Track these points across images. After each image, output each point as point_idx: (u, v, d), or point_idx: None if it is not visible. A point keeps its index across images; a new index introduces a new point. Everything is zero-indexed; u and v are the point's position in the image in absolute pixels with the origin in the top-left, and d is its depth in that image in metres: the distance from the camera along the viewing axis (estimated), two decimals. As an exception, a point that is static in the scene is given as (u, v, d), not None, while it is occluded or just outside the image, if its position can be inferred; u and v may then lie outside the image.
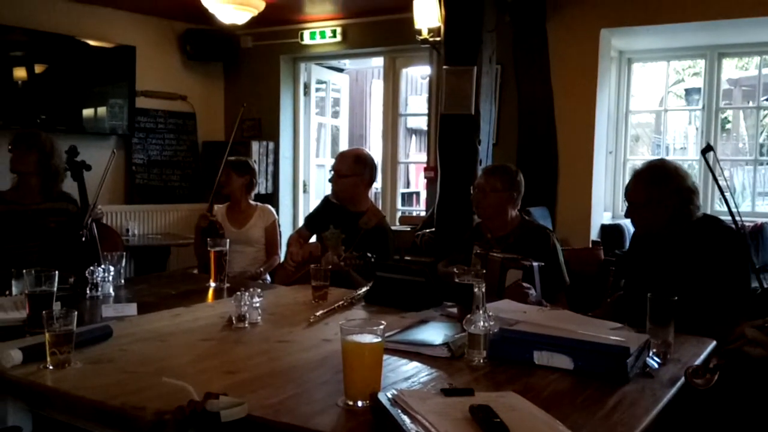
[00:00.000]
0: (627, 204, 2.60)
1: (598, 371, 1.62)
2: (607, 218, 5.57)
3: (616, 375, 1.59)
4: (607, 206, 5.65)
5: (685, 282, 2.34)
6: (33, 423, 1.69)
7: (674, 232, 2.48)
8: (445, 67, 3.94)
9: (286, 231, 5.07)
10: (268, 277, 3.82)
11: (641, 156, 6.87)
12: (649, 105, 7.02)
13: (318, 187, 7.04)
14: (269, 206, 4.06)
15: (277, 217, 4.05)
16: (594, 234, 5.16)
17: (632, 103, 5.99)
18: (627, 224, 5.27)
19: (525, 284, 2.46)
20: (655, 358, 1.75)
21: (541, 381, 1.61)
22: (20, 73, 5.34)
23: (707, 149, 2.50)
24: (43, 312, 1.64)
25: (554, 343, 1.67)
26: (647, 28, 5.01)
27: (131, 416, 1.35)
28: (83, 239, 2.77)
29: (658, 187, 2.46)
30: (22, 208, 3.14)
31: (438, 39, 4.50)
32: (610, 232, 5.23)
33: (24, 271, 2.06)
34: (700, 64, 6.02)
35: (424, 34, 4.71)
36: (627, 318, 2.07)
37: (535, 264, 2.51)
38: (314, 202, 6.44)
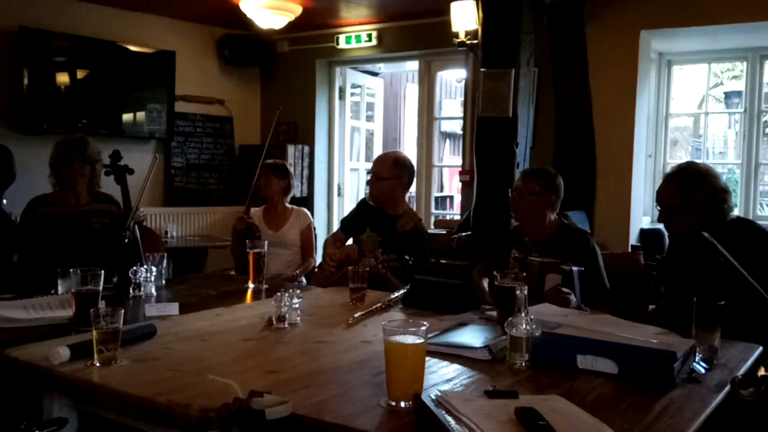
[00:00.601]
0: (660, 209, 2.55)
1: (643, 376, 1.59)
2: (646, 222, 5.47)
3: (663, 380, 1.56)
4: (646, 210, 5.55)
5: (724, 286, 2.29)
6: (78, 420, 1.72)
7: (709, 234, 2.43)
8: (482, 69, 3.92)
9: (321, 234, 5.09)
10: (304, 280, 3.85)
11: (680, 160, 6.74)
12: (687, 108, 6.89)
13: (352, 190, 7.06)
14: (305, 209, 4.09)
15: (312, 220, 4.07)
16: (633, 239, 5.08)
17: (671, 107, 5.88)
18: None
19: (565, 289, 2.42)
20: (702, 364, 1.72)
21: (584, 385, 1.59)
22: (63, 78, 5.47)
23: None
24: (91, 310, 1.67)
25: (598, 347, 1.65)
26: (688, 30, 4.92)
27: (177, 413, 1.37)
28: (126, 241, 2.82)
29: (691, 188, 2.42)
30: (68, 210, 3.19)
31: (475, 42, 4.49)
32: (650, 236, 5.14)
33: (71, 270, 2.11)
34: (740, 67, 5.88)
35: (461, 37, 4.70)
36: (672, 324, 2.03)
37: (575, 268, 2.48)
38: (349, 206, 6.47)
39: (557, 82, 5.12)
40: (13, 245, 3.40)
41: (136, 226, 2.90)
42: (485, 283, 2.85)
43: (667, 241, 4.89)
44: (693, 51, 5.71)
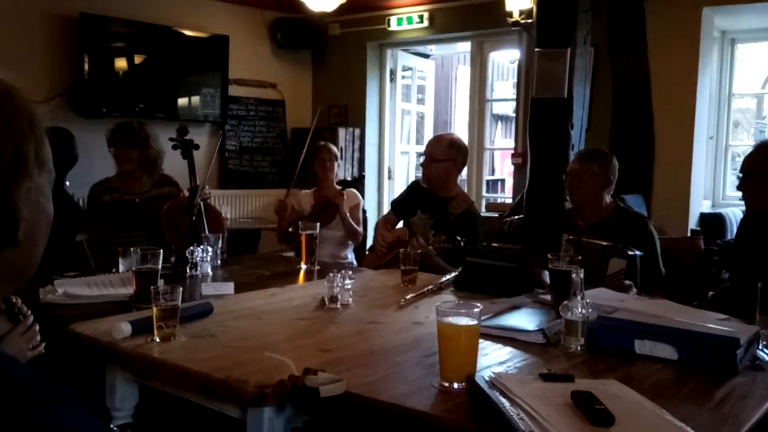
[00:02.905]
0: (742, 175, 2.45)
1: (704, 362, 1.54)
2: (706, 207, 5.30)
3: (725, 367, 1.52)
4: (706, 194, 5.37)
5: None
6: (140, 393, 1.77)
7: None
8: (537, 49, 3.84)
9: (371, 217, 5.11)
10: (354, 261, 3.87)
11: (743, 142, 6.49)
12: (751, 88, 6.61)
13: (402, 173, 7.04)
14: (354, 190, 4.10)
15: (362, 200, 4.07)
16: (692, 223, 4.93)
17: (734, 86, 5.65)
18: (729, 213, 5.01)
19: (627, 282, 2.37)
20: (766, 351, 1.66)
21: (642, 371, 1.55)
22: (121, 63, 5.59)
23: None
24: (151, 288, 1.72)
25: (657, 332, 1.61)
26: (753, 6, 4.71)
27: (234, 388, 1.40)
28: (192, 218, 2.88)
29: None
30: (131, 198, 3.20)
31: (529, 21, 4.40)
32: (710, 221, 4.98)
33: (131, 249, 2.17)
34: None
35: (515, 17, 4.61)
36: (734, 310, 1.97)
37: (638, 253, 2.42)
38: (399, 189, 6.46)
39: (614, 61, 4.98)
40: (76, 226, 3.51)
41: (201, 203, 2.95)
42: (545, 275, 2.80)
43: (736, 224, 4.74)
44: (757, 29, 5.47)
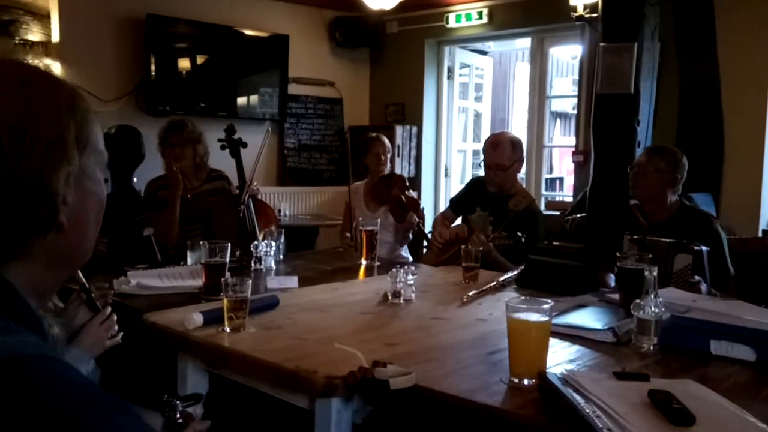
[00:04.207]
0: None
1: (786, 365, 1.48)
2: (778, 207, 5.09)
3: (808, 370, 1.45)
4: (779, 194, 5.16)
5: None
6: (210, 382, 1.81)
7: None
8: (602, 44, 3.75)
9: (428, 215, 5.10)
10: (409, 256, 3.83)
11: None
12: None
13: (459, 171, 7.01)
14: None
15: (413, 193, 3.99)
16: (764, 223, 4.74)
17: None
18: (802, 213, 4.80)
19: (696, 277, 2.30)
20: None
21: (718, 372, 1.50)
22: (184, 63, 5.74)
23: None
24: (222, 280, 1.76)
25: (735, 332, 1.56)
26: (832, -4, 4.50)
27: (304, 379, 1.42)
28: (241, 215, 2.93)
29: None
30: (184, 194, 3.23)
31: (594, 15, 4.30)
32: (783, 221, 4.78)
33: (201, 242, 2.22)
34: None
35: (579, 11, 4.52)
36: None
37: (704, 248, 2.34)
38: (456, 187, 6.42)
39: (682, 56, 4.83)
40: (144, 220, 3.61)
41: (251, 200, 3.00)
42: (609, 277, 2.73)
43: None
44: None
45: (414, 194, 3.83)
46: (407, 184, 3.80)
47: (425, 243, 3.73)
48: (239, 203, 2.95)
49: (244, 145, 3.11)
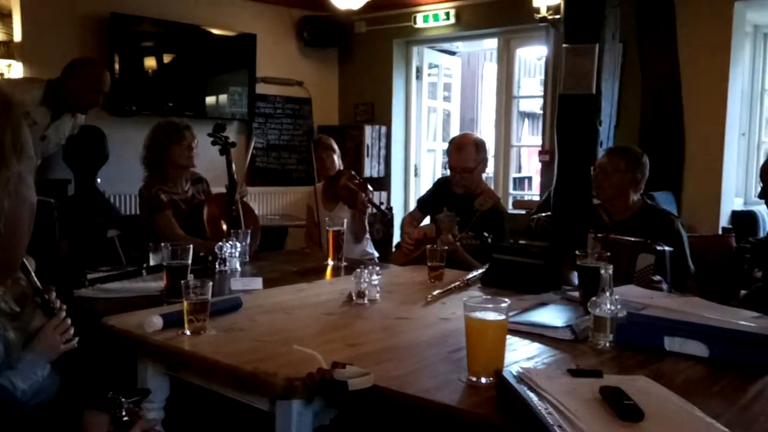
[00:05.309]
0: (762, 185, 2.41)
1: (736, 360, 1.52)
2: (738, 204, 5.21)
3: (758, 364, 1.49)
4: (738, 192, 5.28)
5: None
6: (170, 386, 1.80)
7: None
8: (564, 45, 3.81)
9: (398, 215, 5.12)
10: (375, 252, 3.83)
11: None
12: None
13: (429, 171, 7.04)
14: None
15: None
16: (724, 221, 4.85)
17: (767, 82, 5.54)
18: (761, 211, 4.92)
19: (657, 277, 2.34)
20: (800, 349, 1.63)
21: (672, 368, 1.54)
22: (151, 62, 5.67)
23: None
24: (182, 282, 1.74)
25: (688, 329, 1.59)
26: (788, 0, 4.62)
27: (264, 381, 1.42)
28: (233, 214, 2.90)
29: None
30: (180, 198, 3.17)
31: (557, 17, 4.36)
32: (742, 219, 4.90)
33: (162, 244, 2.20)
34: None
35: (543, 12, 4.57)
36: (766, 309, 1.94)
37: (667, 249, 2.39)
38: (426, 186, 6.45)
39: (644, 57, 4.92)
40: (108, 222, 3.56)
41: (239, 201, 2.98)
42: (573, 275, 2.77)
43: (765, 223, 4.66)
44: (792, 22, 5.36)
45: (371, 190, 3.76)
46: (353, 173, 3.80)
47: (394, 241, 3.74)
48: (232, 204, 2.93)
49: (233, 144, 3.09)
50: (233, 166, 3.03)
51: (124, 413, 1.26)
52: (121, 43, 5.36)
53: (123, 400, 1.27)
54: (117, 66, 5.33)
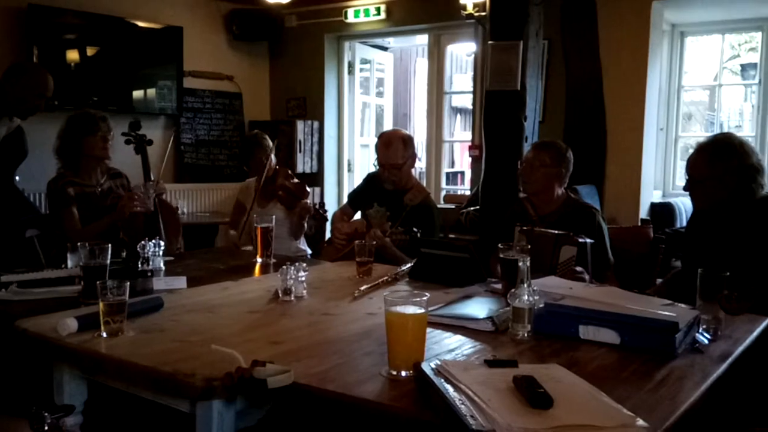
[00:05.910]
0: (687, 177, 2.52)
1: (645, 346, 1.59)
2: (657, 197, 5.44)
3: (664, 350, 1.57)
4: (657, 184, 5.51)
5: (744, 261, 2.27)
6: (88, 390, 1.75)
7: (735, 209, 2.41)
8: (490, 42, 3.88)
9: (331, 210, 5.10)
10: (308, 251, 3.82)
11: (693, 134, 6.67)
12: (702, 81, 6.80)
13: (362, 166, 7.05)
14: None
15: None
16: (643, 212, 5.05)
17: (685, 79, 5.80)
18: (678, 203, 5.15)
19: (579, 268, 2.42)
20: (705, 334, 1.72)
21: (586, 355, 1.59)
22: (73, 55, 5.47)
23: None
24: (97, 283, 1.69)
25: (600, 317, 1.65)
26: (701, 0, 4.84)
27: (182, 382, 1.39)
28: (150, 213, 2.83)
29: (721, 162, 2.38)
30: (92, 190, 3.10)
31: (483, 14, 4.44)
32: (660, 210, 5.12)
33: (78, 244, 2.13)
34: (757, 38, 5.78)
35: (469, 9, 4.64)
36: (682, 296, 2.03)
37: (588, 241, 2.47)
38: (358, 182, 6.46)
39: (567, 54, 5.07)
40: (28, 221, 3.42)
41: (156, 199, 2.91)
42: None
43: (685, 213, 4.87)
44: (707, 21, 5.62)
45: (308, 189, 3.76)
46: (290, 172, 3.78)
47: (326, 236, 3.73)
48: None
49: (150, 142, 3.02)
50: (149, 163, 2.97)
51: (46, 428, 1.23)
52: (41, 36, 5.16)
53: (46, 414, 1.24)
54: (35, 60, 5.11)
